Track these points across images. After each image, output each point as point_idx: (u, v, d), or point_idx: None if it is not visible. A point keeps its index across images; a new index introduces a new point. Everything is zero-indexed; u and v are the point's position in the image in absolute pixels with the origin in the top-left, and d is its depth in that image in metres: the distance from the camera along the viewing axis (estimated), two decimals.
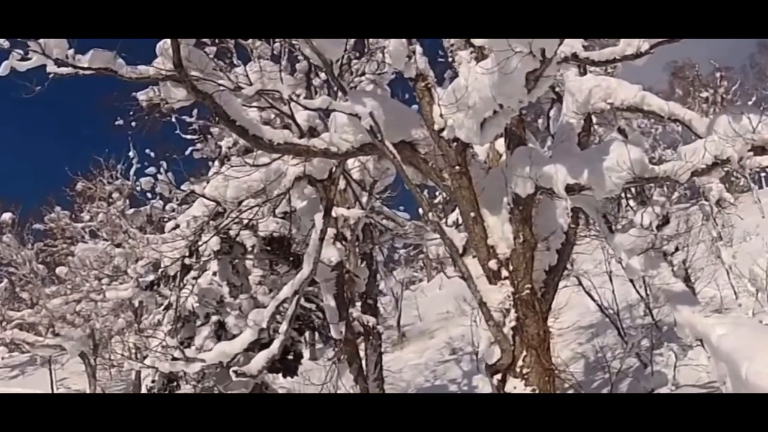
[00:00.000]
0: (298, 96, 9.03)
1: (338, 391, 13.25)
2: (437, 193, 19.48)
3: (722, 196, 20.70)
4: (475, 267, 8.67)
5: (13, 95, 7.33)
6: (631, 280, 16.13)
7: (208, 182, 12.04)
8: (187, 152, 20.86)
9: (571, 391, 16.50)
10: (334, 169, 10.30)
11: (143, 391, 15.32)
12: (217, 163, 17.37)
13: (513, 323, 8.40)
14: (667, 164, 7.80)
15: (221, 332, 14.19)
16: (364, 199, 15.41)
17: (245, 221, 12.30)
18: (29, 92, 7.16)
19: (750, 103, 33.70)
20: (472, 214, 8.78)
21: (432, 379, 24.09)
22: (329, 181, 10.36)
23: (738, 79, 41.90)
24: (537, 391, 8.29)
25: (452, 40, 9.54)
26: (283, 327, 10.11)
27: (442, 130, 8.79)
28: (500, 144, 10.03)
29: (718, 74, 40.89)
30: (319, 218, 10.41)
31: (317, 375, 15.32)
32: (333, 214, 11.08)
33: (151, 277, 15.04)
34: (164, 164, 21.22)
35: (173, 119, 18.75)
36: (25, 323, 27.73)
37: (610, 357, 17.15)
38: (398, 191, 17.61)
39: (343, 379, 12.87)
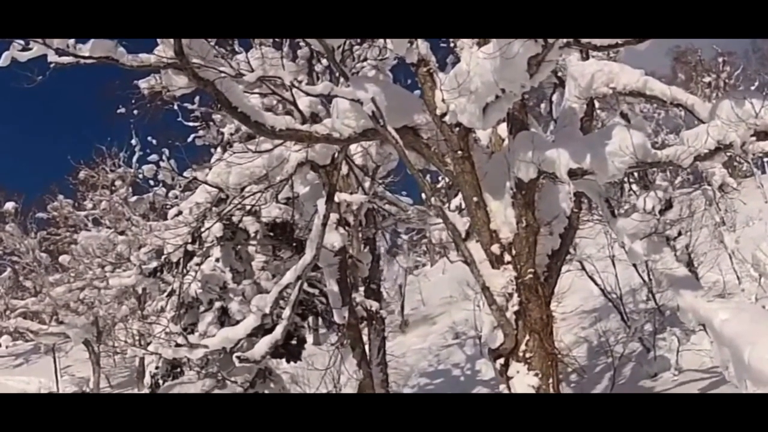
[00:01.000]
0: (299, 82, 9.00)
1: (341, 376, 13.28)
2: (440, 178, 19.42)
3: (725, 181, 20.68)
4: (477, 251, 8.69)
5: (14, 86, 7.36)
6: (634, 265, 16.19)
7: (210, 169, 12.02)
8: (190, 139, 20.81)
9: (573, 375, 16.60)
10: (336, 155, 10.31)
11: (147, 377, 15.37)
12: (219, 149, 17.33)
13: (516, 308, 8.44)
14: (670, 149, 7.81)
15: (224, 318, 14.21)
16: (367, 185, 15.43)
17: (248, 207, 12.36)
18: (30, 82, 7.18)
19: (753, 88, 33.63)
20: (475, 199, 8.78)
21: (435, 363, 24.12)
22: (332, 166, 10.37)
23: (741, 64, 41.58)
24: (540, 376, 8.33)
25: None
26: (286, 312, 10.17)
27: (444, 115, 8.78)
28: (503, 129, 10.03)
29: (720, 59, 40.56)
30: (321, 204, 10.44)
31: (320, 360, 15.41)
32: (336, 199, 11.10)
33: (154, 264, 15.02)
34: (167, 151, 21.09)
35: (175, 107, 18.65)
36: (29, 312, 27.74)
37: (613, 341, 17.13)
38: (401, 176, 17.70)
39: (347, 364, 12.88)
